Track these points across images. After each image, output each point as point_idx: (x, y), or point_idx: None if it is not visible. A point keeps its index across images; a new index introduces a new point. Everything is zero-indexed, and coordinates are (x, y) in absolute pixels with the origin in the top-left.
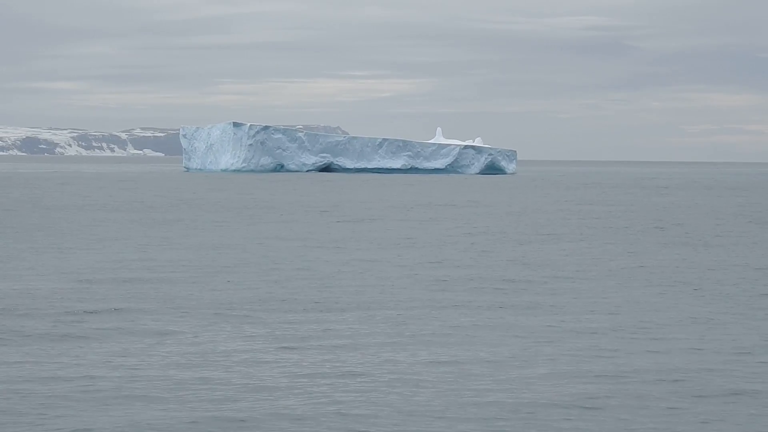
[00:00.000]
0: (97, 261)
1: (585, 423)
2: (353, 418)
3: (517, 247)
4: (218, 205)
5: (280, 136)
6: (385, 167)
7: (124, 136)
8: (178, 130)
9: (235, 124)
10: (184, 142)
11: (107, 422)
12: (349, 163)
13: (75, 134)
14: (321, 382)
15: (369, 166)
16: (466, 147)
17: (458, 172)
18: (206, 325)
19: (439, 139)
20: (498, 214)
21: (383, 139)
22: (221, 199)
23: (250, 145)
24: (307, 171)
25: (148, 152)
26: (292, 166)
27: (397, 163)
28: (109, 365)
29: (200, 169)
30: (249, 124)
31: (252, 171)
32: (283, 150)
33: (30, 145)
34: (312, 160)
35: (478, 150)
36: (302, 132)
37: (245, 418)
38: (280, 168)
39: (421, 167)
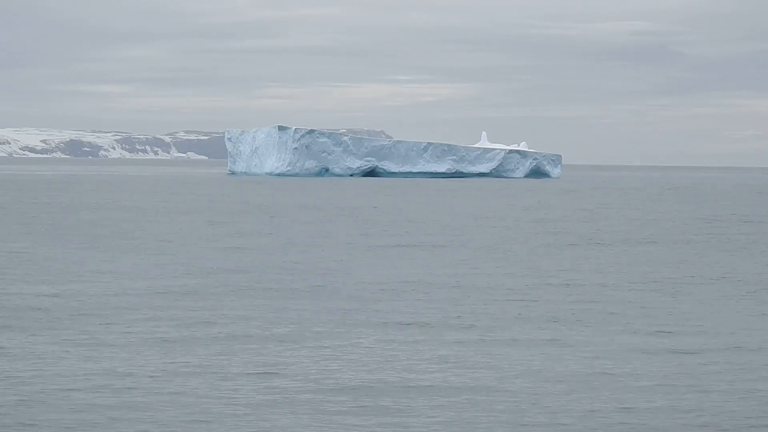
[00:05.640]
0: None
1: None
2: None
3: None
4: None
5: (325, 140)
6: (429, 171)
7: (168, 139)
8: (223, 133)
9: (280, 128)
10: (229, 146)
11: None
12: (393, 167)
13: (119, 137)
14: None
15: (414, 170)
16: (511, 151)
17: (503, 177)
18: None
19: (484, 143)
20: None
21: (428, 143)
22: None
23: (295, 148)
24: (352, 175)
25: (192, 155)
26: (337, 170)
27: (442, 168)
28: None
29: (245, 173)
30: (294, 128)
31: (297, 175)
32: (328, 154)
33: (74, 147)
34: (357, 164)
35: (523, 154)
36: (347, 136)
37: None
38: (324, 172)
39: (466, 171)
